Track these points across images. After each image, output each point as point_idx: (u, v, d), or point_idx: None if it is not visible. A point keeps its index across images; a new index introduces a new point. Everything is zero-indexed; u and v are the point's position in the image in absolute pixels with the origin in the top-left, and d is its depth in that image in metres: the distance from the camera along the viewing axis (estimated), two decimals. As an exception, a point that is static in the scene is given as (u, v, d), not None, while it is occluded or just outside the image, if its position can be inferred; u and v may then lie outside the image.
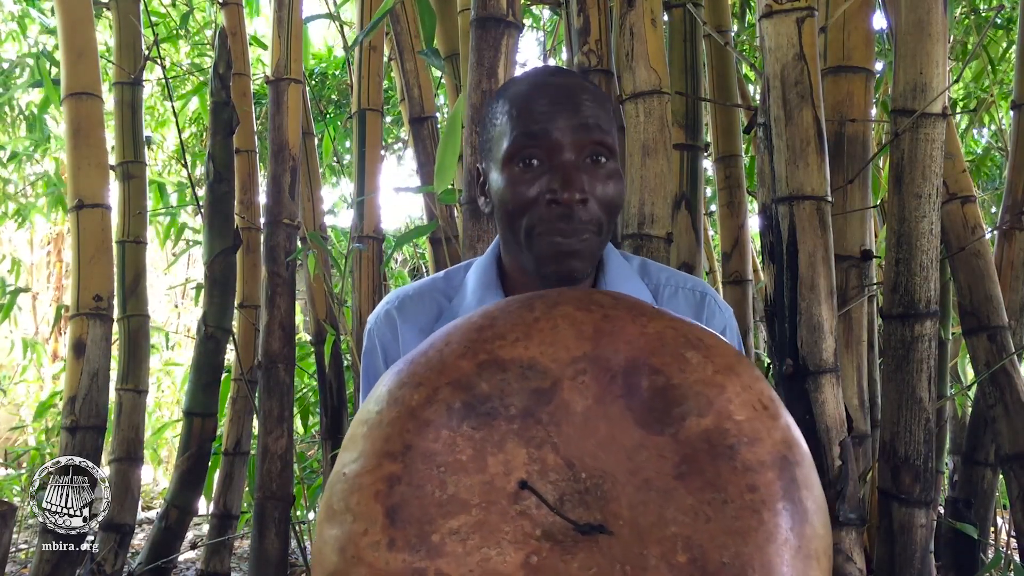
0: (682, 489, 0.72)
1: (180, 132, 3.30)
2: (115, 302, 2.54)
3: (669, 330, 0.82)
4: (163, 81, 3.44)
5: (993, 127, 3.87)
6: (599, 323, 0.81)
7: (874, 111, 2.28)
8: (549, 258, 0.99)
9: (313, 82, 4.51)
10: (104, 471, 2.40)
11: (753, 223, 2.98)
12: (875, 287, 1.99)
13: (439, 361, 0.79)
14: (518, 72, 1.78)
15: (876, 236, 2.48)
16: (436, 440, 0.74)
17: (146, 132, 3.05)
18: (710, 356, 0.80)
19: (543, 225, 0.98)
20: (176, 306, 6.48)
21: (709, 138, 2.59)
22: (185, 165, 3.30)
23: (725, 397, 0.76)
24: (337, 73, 4.54)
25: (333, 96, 4.52)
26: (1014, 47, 2.82)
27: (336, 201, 5.15)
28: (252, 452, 2.90)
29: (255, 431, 2.72)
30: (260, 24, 4.45)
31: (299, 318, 4.79)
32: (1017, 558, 2.41)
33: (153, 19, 3.12)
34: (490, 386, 0.77)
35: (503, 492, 0.71)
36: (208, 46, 3.93)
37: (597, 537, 0.69)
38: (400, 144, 5.09)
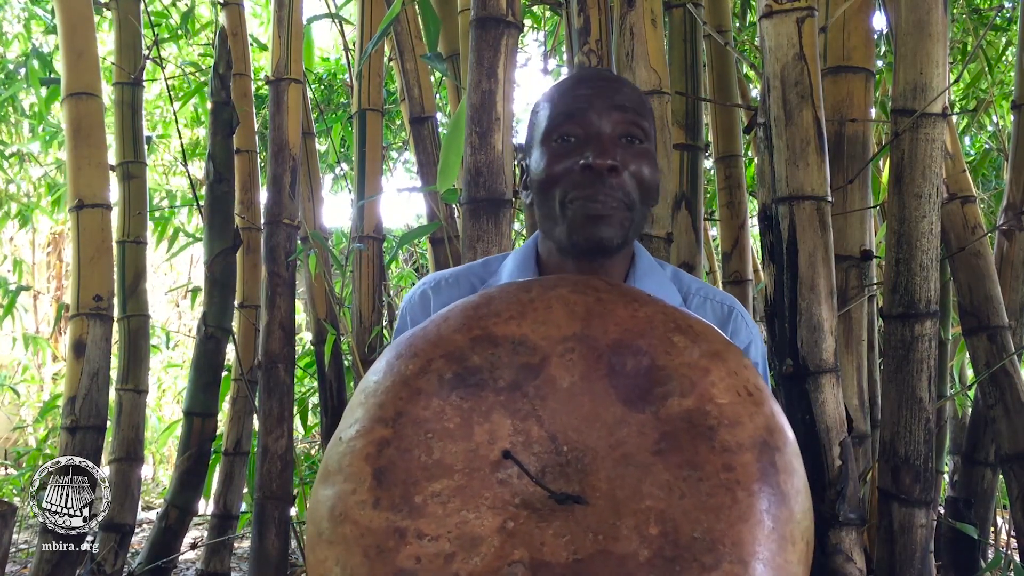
0: (659, 465, 0.73)
1: (180, 133, 3.29)
2: (115, 302, 2.54)
3: (659, 315, 0.83)
4: (166, 81, 3.44)
5: (990, 128, 3.87)
6: (592, 305, 0.83)
7: (874, 111, 2.27)
8: (579, 223, 1.00)
9: (321, 87, 4.49)
10: (104, 471, 2.40)
11: (753, 223, 2.98)
12: (875, 287, 1.99)
13: (436, 335, 0.83)
14: (517, 72, 1.78)
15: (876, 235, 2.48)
16: (427, 408, 0.77)
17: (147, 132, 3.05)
18: (697, 341, 0.81)
19: (576, 190, 1.00)
20: (177, 305, 6.48)
21: (709, 138, 2.59)
22: (186, 165, 3.30)
23: (708, 380, 0.78)
24: (345, 77, 4.53)
25: (343, 100, 4.50)
26: (1012, 47, 2.82)
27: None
28: (252, 452, 2.90)
29: (255, 431, 2.72)
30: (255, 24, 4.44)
31: (299, 318, 4.79)
32: (1017, 558, 2.41)
33: (153, 19, 3.11)
34: (481, 359, 0.80)
35: (486, 460, 0.74)
36: (210, 46, 3.92)
37: (573, 507, 0.71)
38: (403, 146, 5.08)
